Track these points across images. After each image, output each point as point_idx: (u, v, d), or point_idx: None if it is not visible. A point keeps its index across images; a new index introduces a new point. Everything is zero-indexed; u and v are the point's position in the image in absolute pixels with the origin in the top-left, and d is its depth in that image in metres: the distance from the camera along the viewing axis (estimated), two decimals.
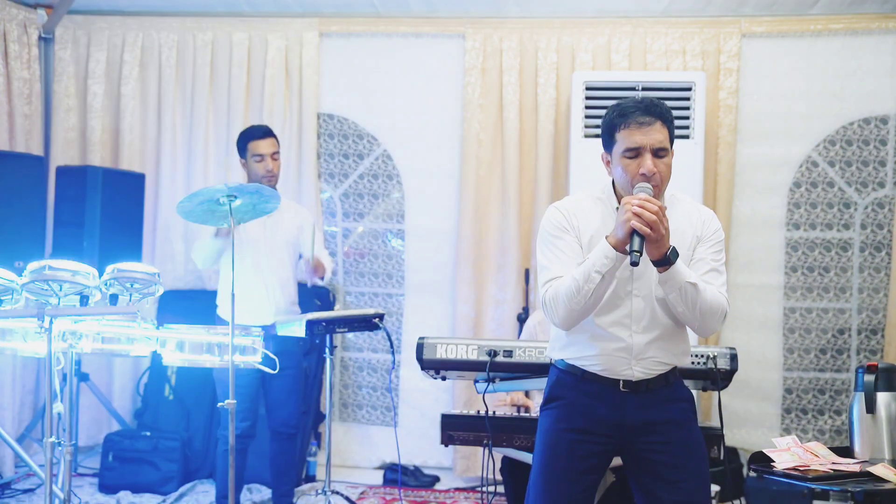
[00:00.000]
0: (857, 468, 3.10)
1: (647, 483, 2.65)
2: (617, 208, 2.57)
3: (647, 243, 2.44)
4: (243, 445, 4.21)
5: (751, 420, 5.24)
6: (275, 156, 4.37)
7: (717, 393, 3.26)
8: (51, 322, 3.23)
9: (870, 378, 3.35)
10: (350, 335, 5.51)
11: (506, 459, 3.76)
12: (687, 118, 4.81)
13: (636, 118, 2.54)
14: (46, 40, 5.52)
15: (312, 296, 5.29)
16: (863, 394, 3.34)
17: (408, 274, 5.53)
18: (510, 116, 5.30)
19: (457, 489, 5.19)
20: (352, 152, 5.56)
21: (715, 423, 3.75)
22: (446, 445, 3.62)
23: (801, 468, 3.07)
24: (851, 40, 5.17)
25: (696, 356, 3.26)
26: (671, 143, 2.60)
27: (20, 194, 4.98)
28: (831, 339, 5.24)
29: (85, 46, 5.56)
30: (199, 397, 5.08)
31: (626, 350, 2.61)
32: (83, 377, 4.91)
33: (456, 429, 3.55)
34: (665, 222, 2.43)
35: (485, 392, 3.37)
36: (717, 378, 3.28)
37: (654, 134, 2.54)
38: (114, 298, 3.72)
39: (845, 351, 5.24)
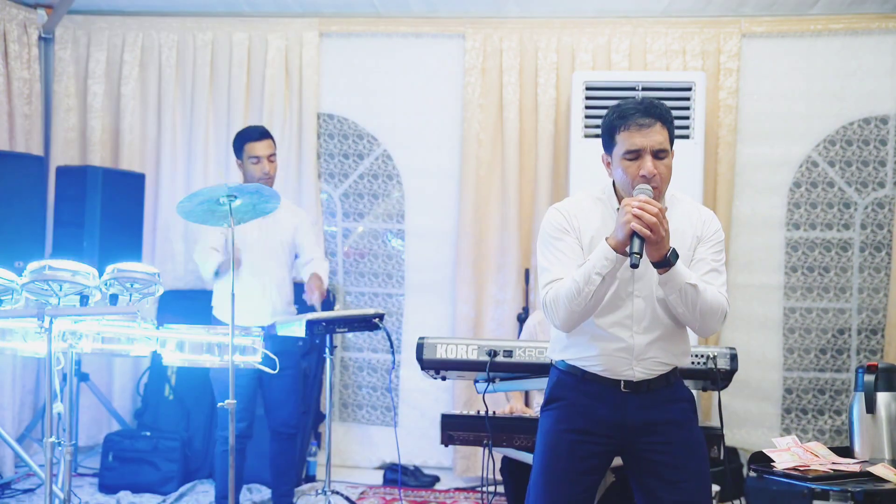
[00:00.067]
0: (857, 468, 3.10)
1: (648, 483, 2.65)
2: (618, 209, 2.57)
3: (648, 245, 2.44)
4: (241, 446, 4.21)
5: (751, 420, 5.24)
6: (271, 157, 4.35)
7: (717, 393, 3.26)
8: (51, 322, 3.23)
9: (870, 378, 3.35)
10: (350, 335, 5.51)
11: (506, 459, 3.76)
12: (687, 118, 4.81)
13: (636, 120, 2.54)
14: (46, 40, 5.52)
15: None
16: (863, 394, 3.34)
17: (408, 274, 5.53)
18: (510, 116, 5.30)
19: (457, 489, 5.19)
20: (352, 152, 5.56)
21: (715, 423, 3.75)
22: (446, 445, 3.62)
23: (801, 468, 3.07)
24: (851, 40, 5.17)
25: (696, 356, 3.26)
26: (671, 144, 2.60)
27: (20, 194, 4.98)
28: (831, 339, 5.24)
29: (85, 46, 5.55)
30: (199, 397, 5.08)
31: (627, 350, 2.61)
32: (83, 377, 4.91)
33: (456, 429, 3.55)
34: (665, 224, 2.43)
35: (485, 392, 3.36)
36: (717, 378, 3.28)
37: (654, 135, 2.55)
38: (114, 298, 3.72)
39: (845, 351, 5.24)
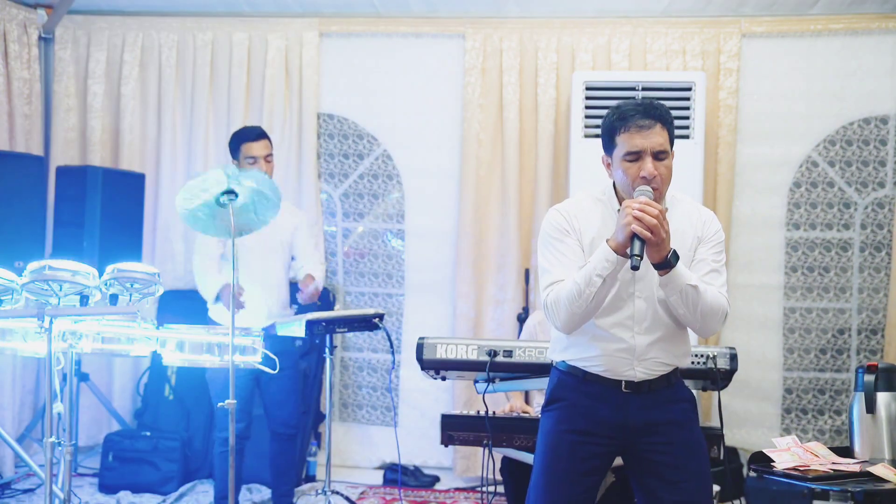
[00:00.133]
0: (857, 468, 3.10)
1: (649, 484, 2.65)
2: (618, 210, 2.58)
3: (648, 247, 2.44)
4: (239, 446, 4.21)
5: (751, 420, 5.24)
6: (268, 158, 4.32)
7: (717, 393, 3.26)
8: (51, 322, 3.23)
9: (870, 378, 3.35)
10: (350, 335, 5.51)
11: (506, 459, 3.76)
12: (687, 118, 4.81)
13: (636, 121, 2.54)
14: (46, 40, 5.52)
15: None
16: (863, 394, 3.34)
17: (408, 274, 5.53)
18: (510, 116, 5.30)
19: (457, 489, 5.19)
20: (352, 152, 5.56)
21: (715, 423, 3.75)
22: (446, 445, 3.62)
23: (801, 468, 3.07)
24: (851, 40, 5.17)
25: (696, 356, 3.26)
26: (671, 145, 2.60)
27: (20, 194, 4.98)
28: (831, 339, 5.24)
29: (85, 46, 5.55)
30: (199, 397, 5.07)
31: (628, 351, 2.61)
32: (83, 377, 4.91)
33: (456, 429, 3.55)
34: (666, 226, 2.44)
35: (485, 392, 3.37)
36: (717, 378, 3.28)
37: (655, 137, 2.55)
38: (114, 298, 3.72)
39: (845, 351, 5.24)
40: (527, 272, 5.25)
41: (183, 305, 5.24)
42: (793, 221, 5.25)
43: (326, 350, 4.11)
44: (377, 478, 5.32)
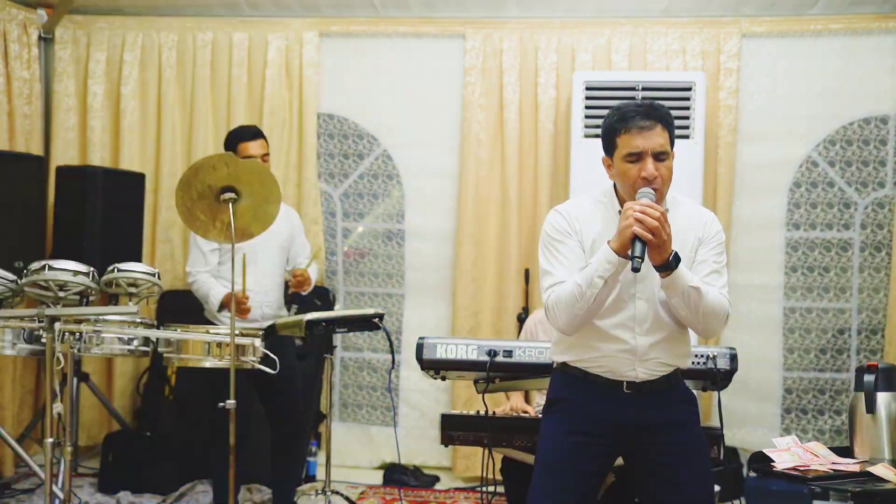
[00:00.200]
0: (857, 468, 3.10)
1: (651, 484, 2.66)
2: (619, 212, 2.58)
3: (650, 249, 2.45)
4: (238, 446, 4.19)
5: (751, 420, 5.24)
6: (265, 157, 4.30)
7: (717, 393, 3.26)
8: (51, 322, 3.24)
9: (870, 378, 3.36)
10: (350, 335, 5.50)
11: (506, 459, 3.76)
12: (687, 118, 4.81)
13: (637, 122, 2.55)
14: (46, 40, 5.52)
15: (312, 296, 5.28)
16: (863, 394, 3.34)
17: (408, 274, 5.53)
18: (510, 116, 5.30)
19: (457, 489, 5.19)
20: (352, 152, 5.56)
21: (715, 423, 3.75)
22: (446, 445, 3.62)
23: (801, 468, 3.07)
24: (851, 40, 5.17)
25: (696, 356, 3.26)
26: (672, 145, 2.60)
27: (20, 194, 4.98)
28: (831, 339, 5.24)
29: (85, 46, 5.55)
30: (199, 397, 5.07)
31: (629, 352, 2.61)
32: (83, 377, 4.91)
33: (456, 429, 3.55)
34: (667, 228, 2.44)
35: (485, 392, 3.37)
36: (718, 378, 3.28)
37: (655, 138, 2.55)
38: (114, 298, 3.72)
39: (845, 351, 5.24)
40: (527, 272, 5.25)
41: (183, 305, 5.24)
42: (793, 221, 5.25)
43: (326, 350, 4.11)
44: (377, 478, 5.31)
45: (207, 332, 3.85)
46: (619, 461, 2.74)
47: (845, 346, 5.24)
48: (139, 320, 3.93)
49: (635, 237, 2.42)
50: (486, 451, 3.49)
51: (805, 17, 5.16)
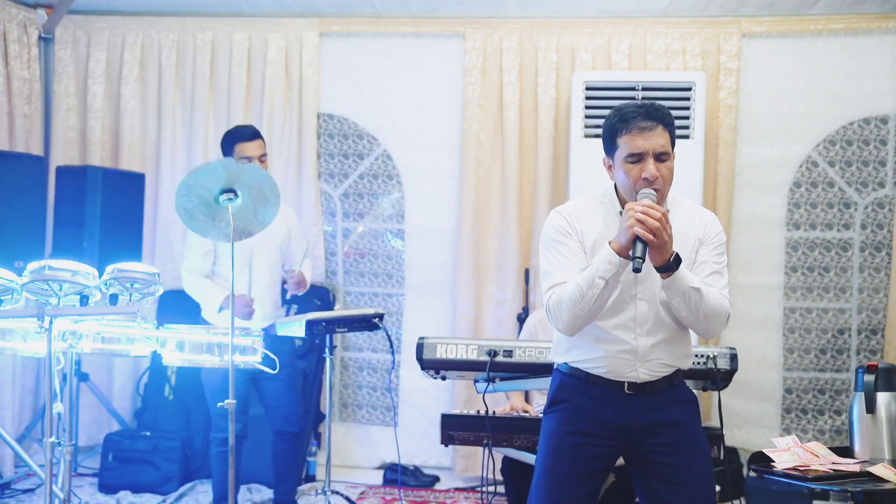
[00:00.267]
0: (857, 468, 3.10)
1: (652, 485, 2.65)
2: (620, 213, 2.58)
3: (651, 250, 2.45)
4: (237, 446, 4.20)
5: (751, 420, 5.24)
6: (262, 158, 4.28)
7: (717, 393, 3.26)
8: (51, 322, 3.23)
9: (870, 378, 3.35)
10: (350, 335, 5.51)
11: (506, 459, 3.76)
12: (687, 118, 4.81)
13: (638, 123, 2.55)
14: (46, 40, 5.52)
15: (312, 296, 5.28)
16: (863, 394, 3.34)
17: (408, 274, 5.53)
18: (510, 116, 5.30)
19: (457, 489, 5.19)
20: (352, 152, 5.56)
21: (715, 423, 3.75)
22: (446, 445, 3.63)
23: (801, 468, 3.07)
24: (851, 40, 5.17)
25: (697, 356, 3.26)
26: (673, 146, 2.61)
27: (20, 194, 4.97)
28: (831, 339, 5.24)
29: (85, 46, 5.55)
30: (199, 397, 5.05)
31: (631, 353, 2.61)
32: (83, 377, 4.91)
33: (456, 429, 3.55)
34: (668, 229, 2.44)
35: (485, 392, 3.37)
36: (717, 378, 3.28)
37: (656, 138, 2.55)
38: (114, 298, 3.72)
39: (845, 351, 5.24)
40: (527, 272, 5.25)
41: (183, 305, 5.23)
42: (793, 221, 5.25)
43: (326, 350, 4.11)
44: (377, 478, 5.32)
45: (207, 332, 3.85)
46: (620, 461, 2.74)
47: (845, 346, 5.24)
48: (139, 320, 3.93)
49: (636, 238, 2.42)
50: (486, 451, 3.49)
51: (805, 17, 5.16)
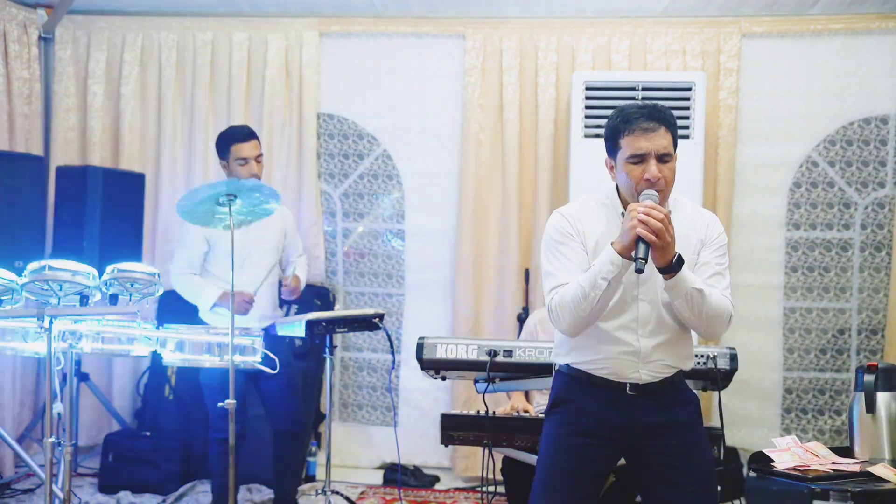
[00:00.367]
0: (857, 468, 3.10)
1: (654, 486, 2.66)
2: (622, 214, 2.58)
3: (653, 251, 2.45)
4: (236, 446, 4.19)
5: (751, 420, 5.24)
6: (258, 158, 4.27)
7: (717, 393, 3.26)
8: (51, 322, 3.23)
9: (870, 378, 3.35)
10: (350, 335, 5.51)
11: (506, 459, 3.76)
12: (687, 118, 4.81)
13: (640, 124, 2.55)
14: (46, 40, 5.52)
15: (312, 296, 5.29)
16: (863, 394, 3.34)
17: (408, 274, 5.53)
18: (510, 116, 5.30)
19: (457, 489, 5.19)
20: (352, 152, 5.56)
21: (715, 423, 3.76)
22: (446, 445, 3.62)
23: (801, 468, 3.07)
24: (851, 40, 5.17)
25: (697, 356, 3.26)
26: (675, 147, 2.60)
27: (20, 194, 4.97)
28: (831, 339, 5.24)
29: (85, 46, 5.55)
30: (199, 397, 5.07)
31: (633, 354, 2.61)
32: (83, 377, 4.91)
33: (456, 429, 3.55)
34: (671, 230, 2.44)
35: (485, 392, 3.37)
36: (718, 378, 3.28)
37: (659, 139, 2.55)
38: (114, 298, 3.72)
39: (845, 351, 5.24)
40: (527, 272, 5.25)
41: (183, 305, 5.24)
42: (793, 221, 5.25)
43: (326, 350, 4.11)
44: (377, 478, 5.31)
45: (207, 332, 3.85)
46: (620, 461, 2.74)
47: (845, 346, 5.24)
48: (139, 320, 3.93)
49: (639, 239, 2.42)
50: (486, 451, 3.49)
51: (805, 17, 5.16)
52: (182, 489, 4.85)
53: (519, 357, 3.35)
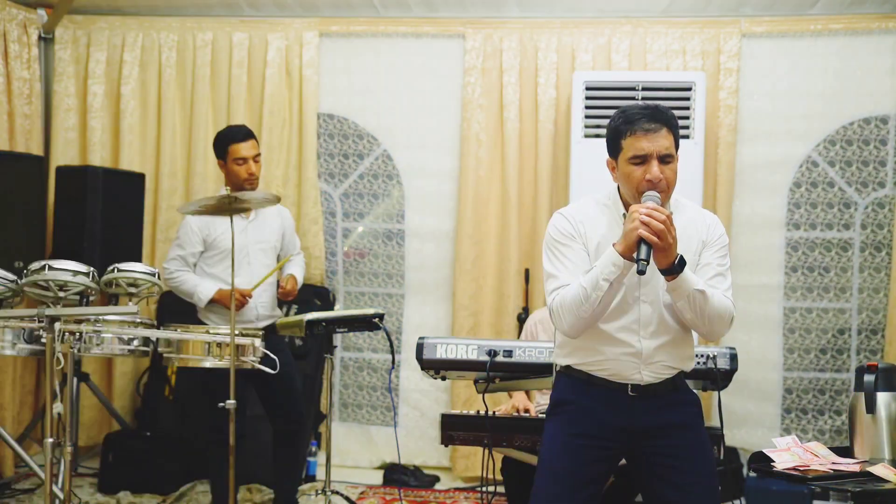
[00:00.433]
0: (857, 468, 3.10)
1: (655, 487, 2.65)
2: (624, 215, 2.58)
3: (655, 252, 2.45)
4: (235, 446, 4.19)
5: (751, 420, 5.24)
6: (256, 158, 4.25)
7: (717, 393, 3.26)
8: (51, 322, 3.24)
9: (870, 378, 3.35)
10: (350, 335, 5.50)
11: (506, 459, 3.76)
12: (687, 118, 4.81)
13: (642, 125, 2.55)
14: (46, 40, 5.52)
15: (312, 296, 5.29)
16: (863, 394, 3.34)
17: (408, 274, 5.53)
18: (510, 116, 5.30)
19: (457, 489, 5.18)
20: (352, 152, 5.56)
21: (715, 423, 3.76)
22: (446, 445, 3.62)
23: (801, 468, 3.07)
24: (851, 40, 5.17)
25: (697, 356, 3.26)
26: (676, 148, 2.60)
27: (20, 194, 4.98)
28: (831, 339, 5.24)
29: (85, 46, 5.55)
30: (199, 397, 5.07)
31: (634, 355, 2.61)
32: (83, 377, 4.91)
33: (456, 429, 3.55)
34: (673, 231, 2.44)
35: (485, 392, 3.37)
36: (718, 378, 3.28)
37: (661, 140, 2.55)
38: (114, 298, 3.73)
39: (845, 351, 5.24)
40: (527, 272, 5.25)
41: (183, 305, 5.24)
42: (793, 221, 5.25)
43: (327, 350, 4.11)
44: (377, 478, 5.31)
45: (207, 332, 3.85)
46: (621, 462, 2.74)
47: (845, 346, 5.24)
48: (139, 320, 3.93)
49: (641, 240, 2.42)
50: (486, 451, 3.49)
51: (805, 17, 5.16)
52: (182, 489, 4.85)
53: (519, 357, 3.35)
